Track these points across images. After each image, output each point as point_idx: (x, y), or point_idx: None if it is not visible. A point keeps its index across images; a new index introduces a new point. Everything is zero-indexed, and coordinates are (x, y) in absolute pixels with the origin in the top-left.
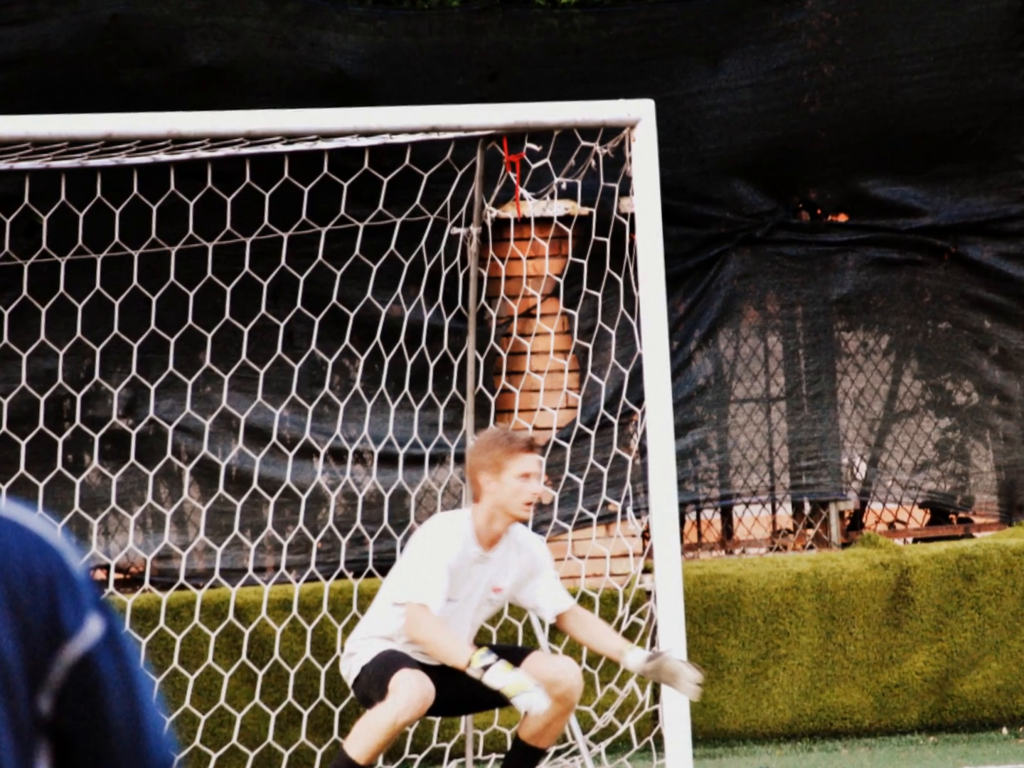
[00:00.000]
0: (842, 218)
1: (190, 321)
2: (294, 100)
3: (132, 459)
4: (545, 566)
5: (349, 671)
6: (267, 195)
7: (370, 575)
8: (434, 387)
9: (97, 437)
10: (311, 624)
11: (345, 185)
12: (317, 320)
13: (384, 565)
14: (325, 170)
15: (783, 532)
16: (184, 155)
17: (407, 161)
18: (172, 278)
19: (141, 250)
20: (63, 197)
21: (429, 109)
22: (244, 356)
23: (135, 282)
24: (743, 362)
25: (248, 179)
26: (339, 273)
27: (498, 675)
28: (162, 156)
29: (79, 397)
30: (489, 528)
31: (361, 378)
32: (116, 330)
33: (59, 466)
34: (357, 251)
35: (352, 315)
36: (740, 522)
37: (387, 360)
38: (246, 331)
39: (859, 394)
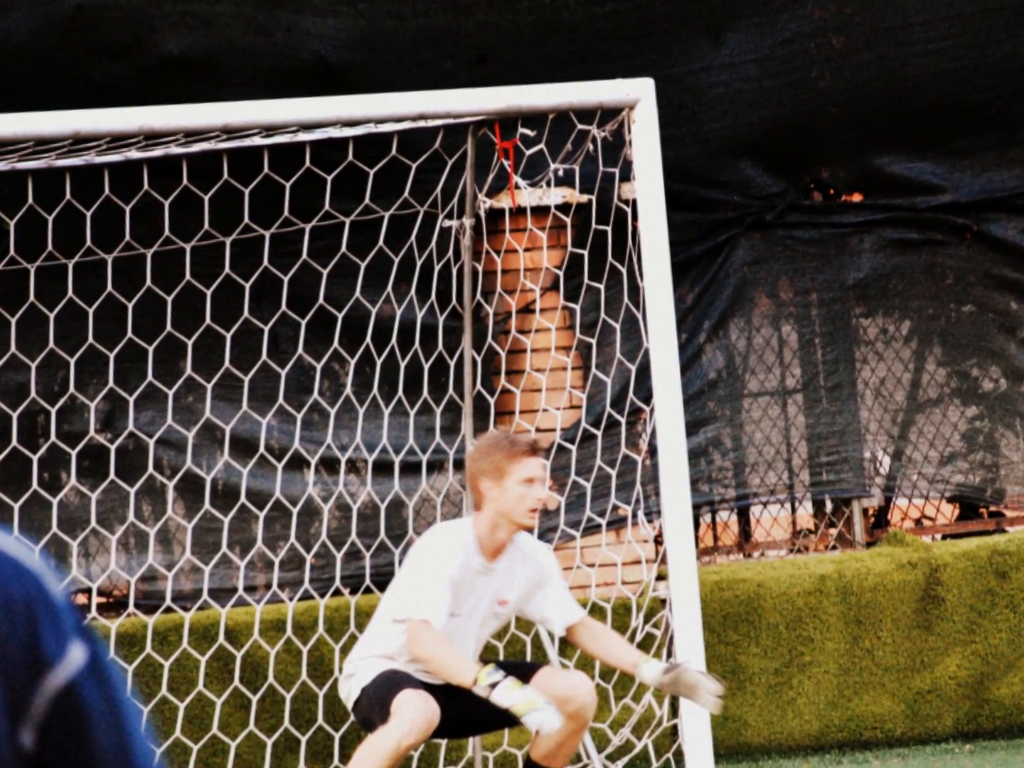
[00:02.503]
0: (856, 198)
1: (169, 327)
2: (272, 90)
3: (112, 475)
4: (553, 576)
5: (348, 693)
6: (247, 191)
7: (368, 591)
8: (430, 390)
9: (74, 453)
10: (307, 645)
11: (329, 179)
12: (303, 322)
13: (382, 580)
14: (307, 163)
15: (804, 532)
16: (157, 152)
17: (394, 151)
18: (148, 282)
19: (115, 254)
20: (30, 200)
21: (416, 95)
22: (227, 363)
23: (109, 288)
24: (756, 353)
25: (226, 175)
26: (325, 272)
27: (507, 693)
28: (134, 154)
29: (54, 411)
30: (492, 537)
31: (352, 382)
32: (91, 339)
33: (35, 485)
34: (344, 248)
35: (340, 316)
36: (758, 523)
37: (379, 362)
38: (228, 336)
39: (880, 384)
